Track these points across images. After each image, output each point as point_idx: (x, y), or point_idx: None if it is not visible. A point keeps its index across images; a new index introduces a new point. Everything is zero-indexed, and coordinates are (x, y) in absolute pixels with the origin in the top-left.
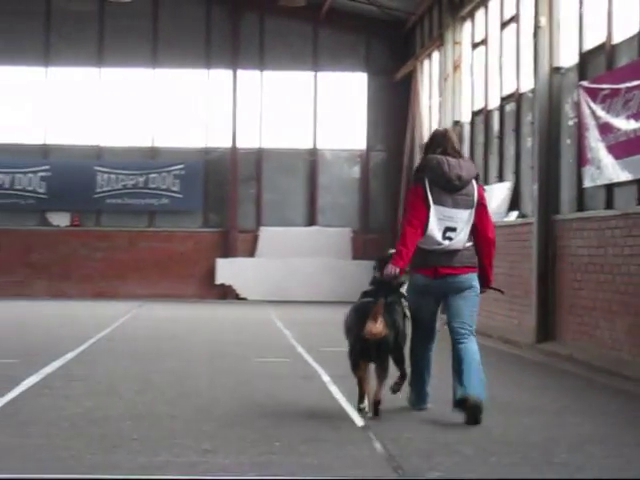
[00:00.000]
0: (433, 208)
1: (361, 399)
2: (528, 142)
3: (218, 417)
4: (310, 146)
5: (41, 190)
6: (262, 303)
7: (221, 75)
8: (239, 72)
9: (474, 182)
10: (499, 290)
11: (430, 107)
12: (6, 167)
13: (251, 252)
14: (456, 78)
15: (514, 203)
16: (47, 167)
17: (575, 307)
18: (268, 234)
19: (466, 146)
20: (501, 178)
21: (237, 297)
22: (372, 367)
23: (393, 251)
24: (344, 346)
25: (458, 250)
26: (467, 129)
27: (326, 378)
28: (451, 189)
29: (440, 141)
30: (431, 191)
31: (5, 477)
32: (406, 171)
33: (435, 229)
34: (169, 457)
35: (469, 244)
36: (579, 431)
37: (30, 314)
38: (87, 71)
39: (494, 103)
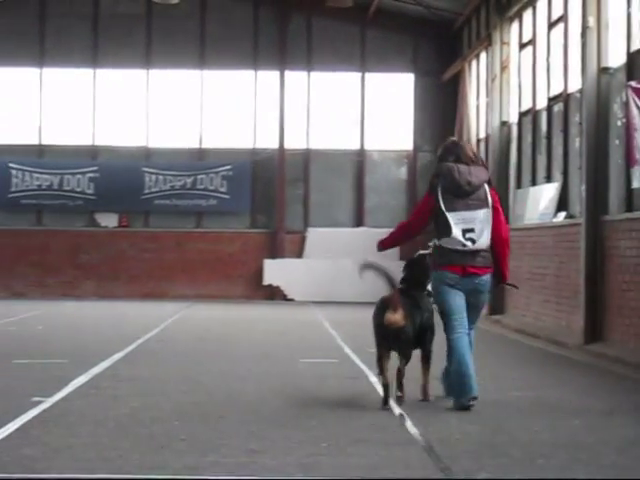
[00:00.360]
0: (448, 215)
1: (385, 401)
2: (576, 142)
3: (265, 418)
4: (357, 147)
5: (89, 191)
6: (309, 304)
7: (268, 76)
8: (286, 73)
9: (486, 186)
10: (514, 285)
11: (478, 107)
12: (55, 168)
13: (299, 253)
14: (504, 78)
15: (562, 204)
16: (95, 168)
17: (623, 308)
18: (316, 235)
19: (514, 147)
20: (549, 179)
21: (284, 298)
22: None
23: (422, 252)
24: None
25: (480, 250)
26: (515, 130)
27: (373, 379)
28: (462, 194)
29: (453, 149)
30: (444, 198)
31: (55, 477)
32: None
33: (457, 232)
34: (217, 458)
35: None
36: (627, 433)
37: (79, 314)
38: (135, 73)
39: (542, 103)
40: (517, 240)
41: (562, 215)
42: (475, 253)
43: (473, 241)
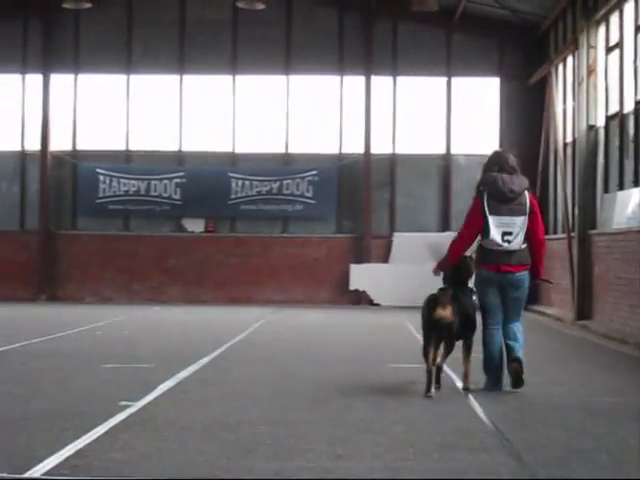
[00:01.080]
0: (490, 218)
1: (429, 388)
2: None
3: (351, 422)
4: (443, 151)
5: (176, 196)
6: (396, 309)
7: (354, 81)
8: (372, 78)
9: (526, 193)
10: (548, 281)
11: (564, 111)
12: (142, 174)
13: (385, 258)
14: (591, 82)
15: None
16: (182, 174)
17: None
18: (402, 240)
19: (601, 150)
20: (637, 183)
21: (371, 303)
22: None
23: (466, 255)
24: (479, 352)
25: (515, 251)
26: (602, 133)
27: (460, 384)
28: (506, 200)
29: (497, 160)
30: (489, 203)
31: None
32: (540, 175)
33: (495, 234)
34: (302, 462)
35: (524, 246)
36: None
37: (165, 319)
38: (221, 78)
39: (629, 107)
40: (604, 245)
41: None
42: (510, 253)
43: (509, 242)
